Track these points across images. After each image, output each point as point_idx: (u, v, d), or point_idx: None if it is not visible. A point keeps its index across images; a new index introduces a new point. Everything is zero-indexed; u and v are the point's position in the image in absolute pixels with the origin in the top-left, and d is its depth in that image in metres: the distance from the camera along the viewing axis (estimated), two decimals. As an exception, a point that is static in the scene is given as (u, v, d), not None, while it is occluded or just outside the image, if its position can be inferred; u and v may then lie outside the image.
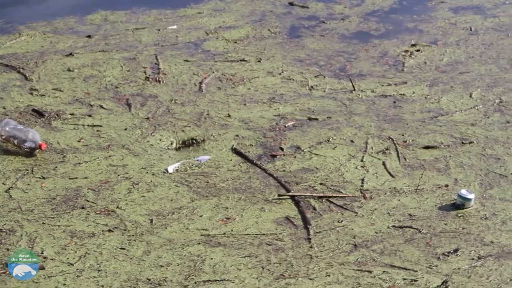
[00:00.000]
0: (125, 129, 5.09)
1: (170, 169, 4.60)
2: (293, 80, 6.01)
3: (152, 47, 6.63)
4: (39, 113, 5.32)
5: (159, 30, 7.09)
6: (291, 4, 7.84)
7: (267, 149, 4.86)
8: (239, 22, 7.29)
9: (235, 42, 6.80)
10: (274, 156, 4.76)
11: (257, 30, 7.10)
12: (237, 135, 5.01)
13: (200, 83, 5.91)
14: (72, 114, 5.29)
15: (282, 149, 4.84)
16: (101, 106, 5.46)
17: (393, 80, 6.01)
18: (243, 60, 6.39)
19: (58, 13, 7.52)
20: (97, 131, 5.06)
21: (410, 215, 4.15)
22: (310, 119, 5.28)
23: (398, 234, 3.99)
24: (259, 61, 6.35)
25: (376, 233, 4.00)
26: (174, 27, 7.19)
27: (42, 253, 3.75)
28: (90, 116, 5.27)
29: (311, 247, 3.88)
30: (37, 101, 5.53)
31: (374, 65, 6.34)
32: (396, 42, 6.83)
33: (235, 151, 4.82)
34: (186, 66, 6.23)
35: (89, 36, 6.88)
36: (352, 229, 4.03)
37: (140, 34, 6.98)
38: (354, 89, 5.81)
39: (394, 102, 5.60)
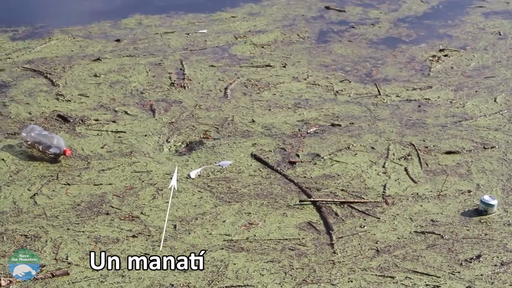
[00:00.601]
0: (145, 136, 5.10)
1: (193, 174, 4.60)
2: (318, 85, 5.99)
3: (180, 52, 6.63)
4: (64, 118, 5.34)
5: (188, 34, 7.09)
6: (327, 8, 7.79)
7: (286, 155, 4.84)
8: (270, 27, 7.27)
9: (263, 47, 6.79)
10: (292, 163, 4.74)
11: (286, 34, 7.08)
12: (255, 143, 4.98)
13: (225, 88, 5.90)
14: (96, 120, 5.32)
15: (298, 155, 4.82)
16: (126, 112, 5.47)
17: (418, 85, 5.97)
18: (269, 65, 6.38)
19: (95, 17, 7.56)
20: (119, 137, 5.07)
21: (432, 220, 4.11)
22: (333, 125, 5.25)
23: (420, 239, 3.96)
24: (284, 67, 6.34)
25: (398, 238, 3.97)
26: (204, 31, 7.19)
27: (67, 259, 3.76)
28: (114, 122, 5.29)
29: (333, 252, 3.86)
30: (62, 107, 5.56)
31: (401, 70, 6.30)
32: (425, 47, 6.78)
33: (255, 157, 4.80)
34: (211, 72, 6.23)
35: (118, 40, 6.91)
36: (374, 234, 4.00)
37: (168, 38, 6.98)
38: (379, 94, 5.78)
39: (419, 106, 5.56)
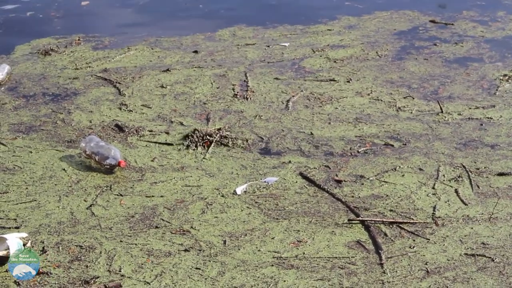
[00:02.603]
0: (188, 145, 5.06)
1: (239, 190, 4.53)
2: (381, 100, 5.87)
3: (257, 64, 6.58)
4: (120, 128, 5.32)
5: (268, 46, 7.05)
6: (432, 22, 7.67)
7: (331, 174, 4.74)
8: (354, 42, 7.15)
9: (335, 62, 6.69)
10: (338, 181, 4.65)
11: (365, 51, 6.94)
12: (289, 161, 4.90)
13: (288, 101, 5.84)
14: (150, 131, 5.28)
15: (336, 175, 4.72)
16: (181, 123, 5.42)
17: (481, 103, 5.79)
18: (333, 80, 6.27)
19: (192, 29, 7.60)
20: (163, 151, 5.02)
21: (483, 243, 3.97)
22: (386, 144, 5.16)
23: (471, 262, 3.83)
24: (349, 81, 6.22)
25: (448, 260, 3.85)
26: (286, 44, 7.12)
27: (120, 271, 3.71)
28: (167, 133, 5.25)
29: (383, 272, 3.75)
30: (123, 117, 5.54)
31: (468, 88, 6.12)
32: (499, 66, 6.56)
33: (302, 175, 4.72)
34: (275, 84, 6.16)
35: (195, 52, 6.89)
36: (424, 255, 3.88)
37: (245, 50, 6.94)
38: (442, 111, 5.66)
39: (481, 124, 5.41)
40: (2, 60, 6.66)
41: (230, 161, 4.88)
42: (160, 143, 5.11)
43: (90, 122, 5.44)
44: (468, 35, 7.33)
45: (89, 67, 6.54)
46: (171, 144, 5.09)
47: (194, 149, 5.01)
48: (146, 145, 5.08)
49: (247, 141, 5.16)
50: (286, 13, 8.05)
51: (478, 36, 7.29)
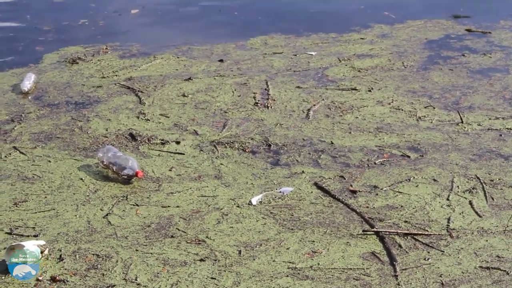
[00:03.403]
0: (201, 150, 5.08)
1: (254, 201, 4.50)
2: (402, 110, 5.83)
3: (280, 72, 6.57)
4: (133, 137, 5.32)
5: (295, 55, 7.03)
6: (468, 30, 7.60)
7: (346, 184, 4.71)
8: (383, 52, 7.10)
9: (359, 71, 6.65)
10: (353, 192, 4.62)
11: (391, 61, 6.89)
12: (302, 171, 4.87)
13: (308, 109, 5.82)
14: (162, 140, 5.27)
15: (351, 185, 4.69)
16: (195, 132, 5.42)
17: (502, 114, 5.71)
18: (354, 89, 6.24)
19: (225, 37, 7.64)
20: (178, 159, 5.02)
21: (498, 256, 3.92)
22: (403, 156, 5.09)
23: (486, 275, 3.77)
24: (370, 91, 6.18)
25: (463, 273, 3.80)
26: (313, 53, 7.09)
27: (136, 280, 3.69)
28: (177, 142, 5.23)
29: (398, 284, 3.71)
30: (139, 125, 5.53)
31: (489, 99, 6.04)
32: None
33: (316, 185, 4.69)
34: (296, 93, 6.14)
35: (221, 61, 6.89)
36: (439, 267, 3.83)
37: (271, 59, 6.93)
38: (462, 122, 5.59)
39: (500, 135, 5.35)
40: (30, 69, 6.71)
41: (245, 170, 4.86)
42: (170, 152, 5.10)
43: (106, 130, 5.45)
44: (503, 45, 7.25)
45: (116, 75, 6.55)
46: (182, 154, 5.08)
47: (208, 154, 5.01)
48: (159, 155, 5.07)
49: (269, 146, 5.15)
50: (321, 21, 8.03)
51: (510, 46, 7.21)
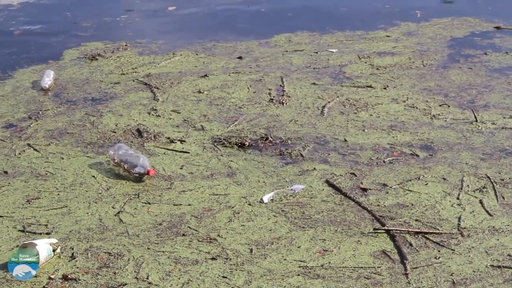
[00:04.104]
0: (204, 148, 5.04)
1: (265, 199, 4.47)
2: (416, 108, 5.77)
3: (301, 70, 6.53)
4: (140, 133, 5.29)
5: (317, 52, 6.98)
6: (497, 28, 7.51)
7: (357, 181, 4.67)
8: (406, 50, 7.05)
9: (377, 69, 6.61)
10: (364, 189, 4.58)
11: (411, 59, 6.84)
12: (314, 168, 4.83)
13: (323, 106, 5.78)
14: (168, 138, 5.25)
15: (361, 183, 4.65)
16: (202, 127, 5.40)
17: None
18: (370, 86, 6.20)
19: (250, 34, 7.63)
20: (183, 157, 4.99)
21: (509, 255, 3.86)
22: (412, 154, 5.05)
23: (497, 274, 3.72)
24: (385, 88, 6.14)
25: (474, 271, 3.75)
26: (334, 50, 7.04)
27: (147, 278, 3.67)
28: (182, 141, 5.20)
29: (408, 282, 3.67)
30: (149, 121, 5.52)
31: (505, 97, 5.98)
32: None
33: (328, 183, 4.66)
34: (311, 90, 6.10)
35: (240, 58, 6.86)
36: (450, 266, 3.78)
37: (291, 56, 6.89)
38: (476, 120, 5.53)
39: None
40: (50, 65, 6.71)
41: (256, 168, 4.84)
42: (175, 150, 5.08)
43: (116, 125, 5.43)
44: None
45: (135, 72, 6.55)
46: (187, 152, 5.06)
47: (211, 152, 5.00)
48: (164, 153, 5.05)
49: (283, 141, 5.13)
50: (349, 18, 8.03)
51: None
